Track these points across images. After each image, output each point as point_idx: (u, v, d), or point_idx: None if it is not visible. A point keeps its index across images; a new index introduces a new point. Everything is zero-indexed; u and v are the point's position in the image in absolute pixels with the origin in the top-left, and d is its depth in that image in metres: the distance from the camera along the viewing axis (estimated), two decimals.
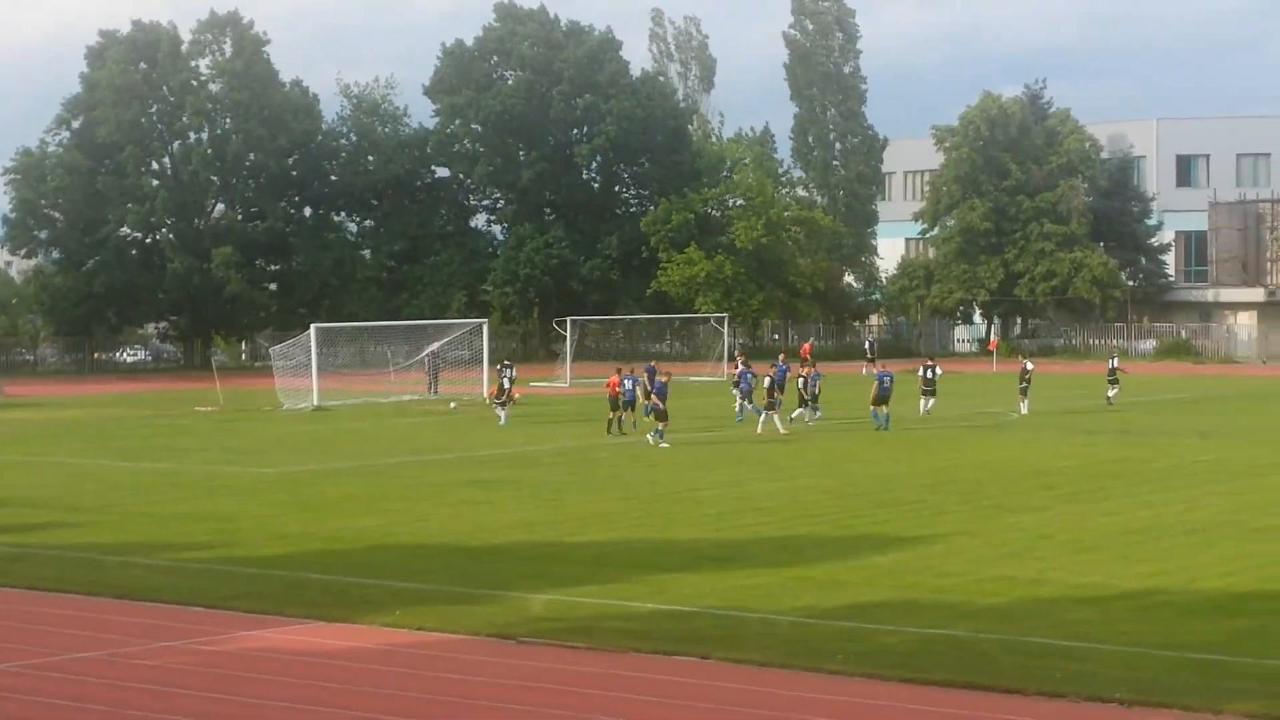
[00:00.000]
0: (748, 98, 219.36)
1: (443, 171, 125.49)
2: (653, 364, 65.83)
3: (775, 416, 56.09)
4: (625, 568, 29.59)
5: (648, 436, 53.08)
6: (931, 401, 62.70)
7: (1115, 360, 72.72)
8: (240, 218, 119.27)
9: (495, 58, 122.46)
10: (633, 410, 57.82)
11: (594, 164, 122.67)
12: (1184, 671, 21.46)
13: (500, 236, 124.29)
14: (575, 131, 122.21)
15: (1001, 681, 20.99)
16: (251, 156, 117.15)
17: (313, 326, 75.33)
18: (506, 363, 69.85)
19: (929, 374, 63.29)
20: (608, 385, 58.74)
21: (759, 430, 55.80)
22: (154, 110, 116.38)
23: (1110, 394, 68.65)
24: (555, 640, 23.75)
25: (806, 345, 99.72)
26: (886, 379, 58.23)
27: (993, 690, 20.71)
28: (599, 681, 21.52)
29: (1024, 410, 62.60)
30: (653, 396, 54.79)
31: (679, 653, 22.86)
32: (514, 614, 25.63)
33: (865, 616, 25.05)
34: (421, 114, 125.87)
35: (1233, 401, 72.06)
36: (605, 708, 20.28)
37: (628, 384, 58.11)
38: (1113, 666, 21.71)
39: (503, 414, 61.50)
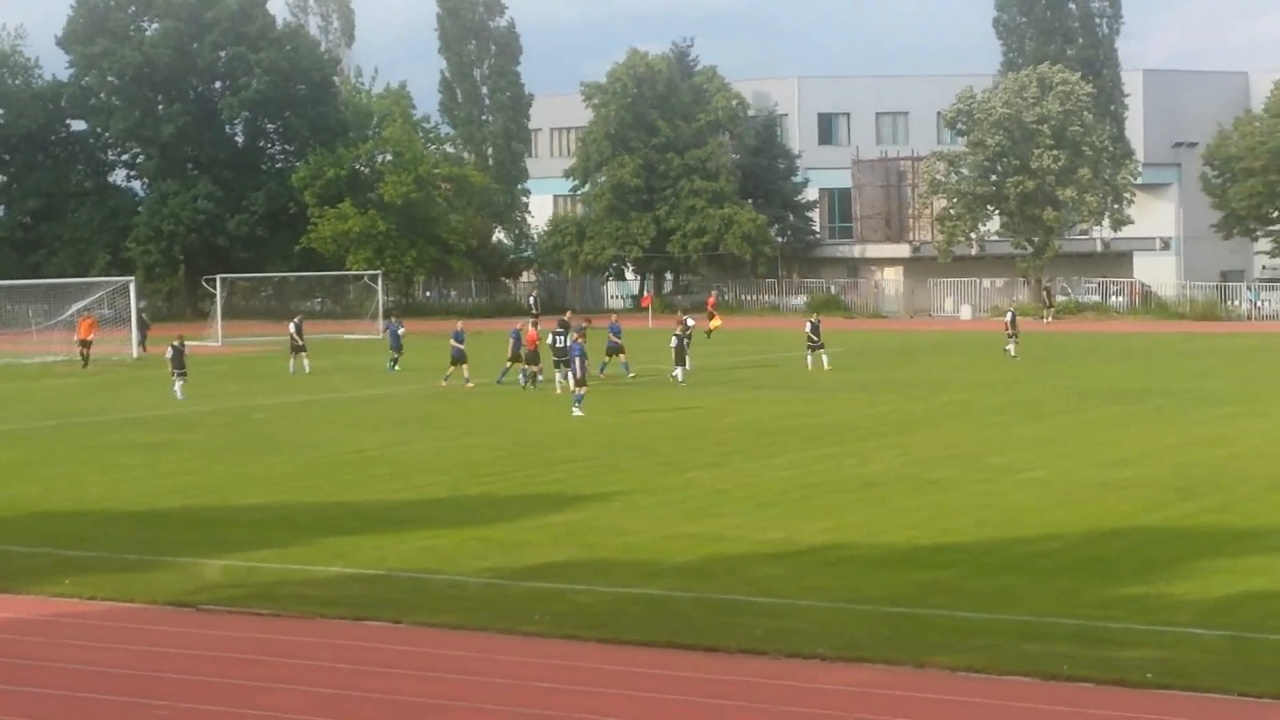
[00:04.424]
0: (395, 52, 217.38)
1: (79, 125, 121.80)
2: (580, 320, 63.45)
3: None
4: (300, 531, 28.88)
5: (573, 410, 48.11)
6: (824, 356, 63.68)
7: (1012, 314, 73.81)
8: None
9: (133, 7, 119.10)
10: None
11: (239, 118, 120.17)
12: (880, 626, 21.57)
13: (142, 193, 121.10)
14: (219, 84, 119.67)
15: (702, 640, 20.84)
16: None
17: None
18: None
19: (813, 330, 64.49)
20: (528, 339, 57.04)
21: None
22: None
23: (1010, 348, 69.60)
24: (238, 607, 23.02)
25: (711, 298, 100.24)
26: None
27: (694, 649, 20.56)
28: (289, 649, 20.86)
29: (686, 367, 62.79)
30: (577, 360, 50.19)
31: (368, 618, 22.32)
32: (190, 581, 24.81)
33: (555, 576, 24.74)
34: (55, 65, 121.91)
35: (885, 355, 73.41)
36: (299, 677, 19.64)
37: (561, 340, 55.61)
38: (810, 622, 21.72)
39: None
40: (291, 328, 66.50)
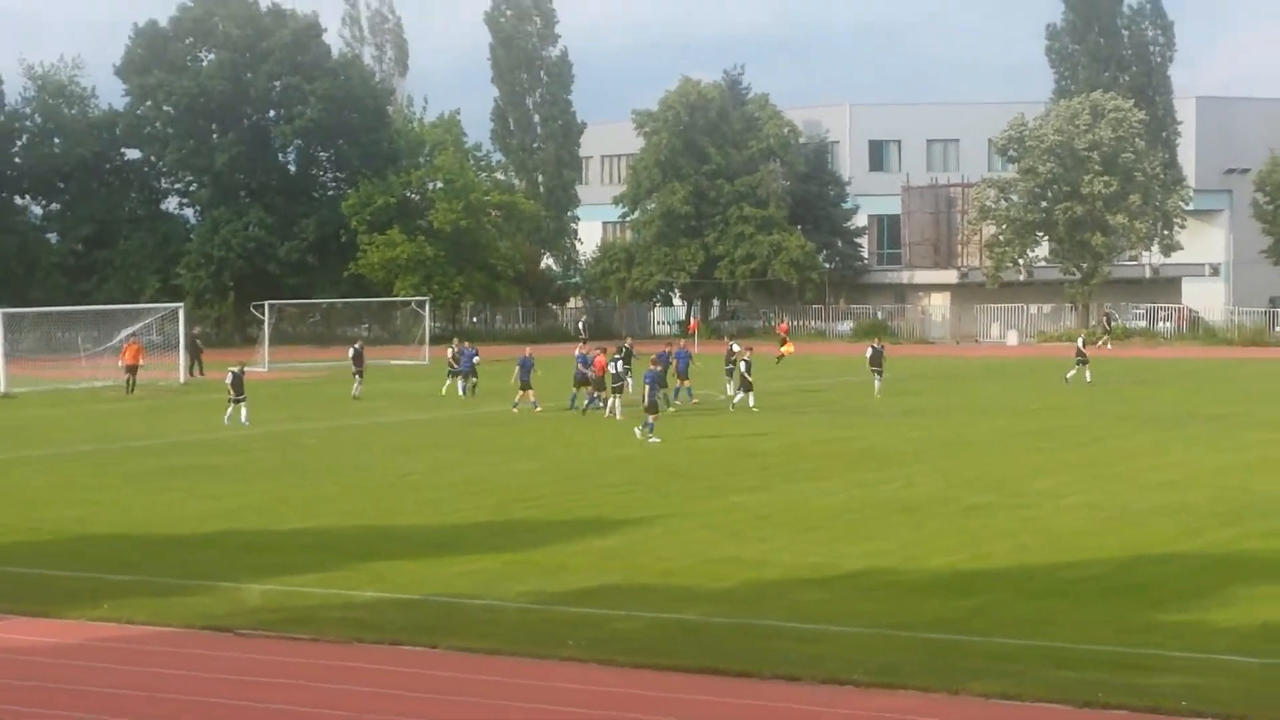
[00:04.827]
0: (448, 80, 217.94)
1: (133, 154, 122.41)
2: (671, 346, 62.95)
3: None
4: (342, 555, 28.92)
5: (635, 430, 48.51)
6: (878, 382, 63.52)
7: (1082, 340, 73.52)
8: None
9: (191, 39, 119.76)
10: (619, 395, 55.20)
11: (292, 146, 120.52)
12: (917, 651, 21.50)
13: (194, 220, 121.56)
14: (273, 113, 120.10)
15: (737, 666, 20.82)
16: None
17: (0, 311, 72.89)
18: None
19: (875, 354, 64.62)
20: (596, 365, 57.01)
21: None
22: None
23: (1079, 374, 68.84)
24: (276, 632, 23.10)
25: (784, 325, 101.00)
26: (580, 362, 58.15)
27: (729, 675, 20.53)
28: (326, 674, 20.89)
29: (730, 392, 62.75)
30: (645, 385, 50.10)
31: (405, 643, 22.34)
32: (230, 605, 24.88)
33: (593, 601, 24.74)
34: (111, 95, 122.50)
35: (930, 380, 73.14)
36: (334, 702, 19.66)
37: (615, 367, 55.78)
38: (846, 648, 21.68)
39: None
40: (350, 353, 66.90)
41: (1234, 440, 46.51)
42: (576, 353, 60.21)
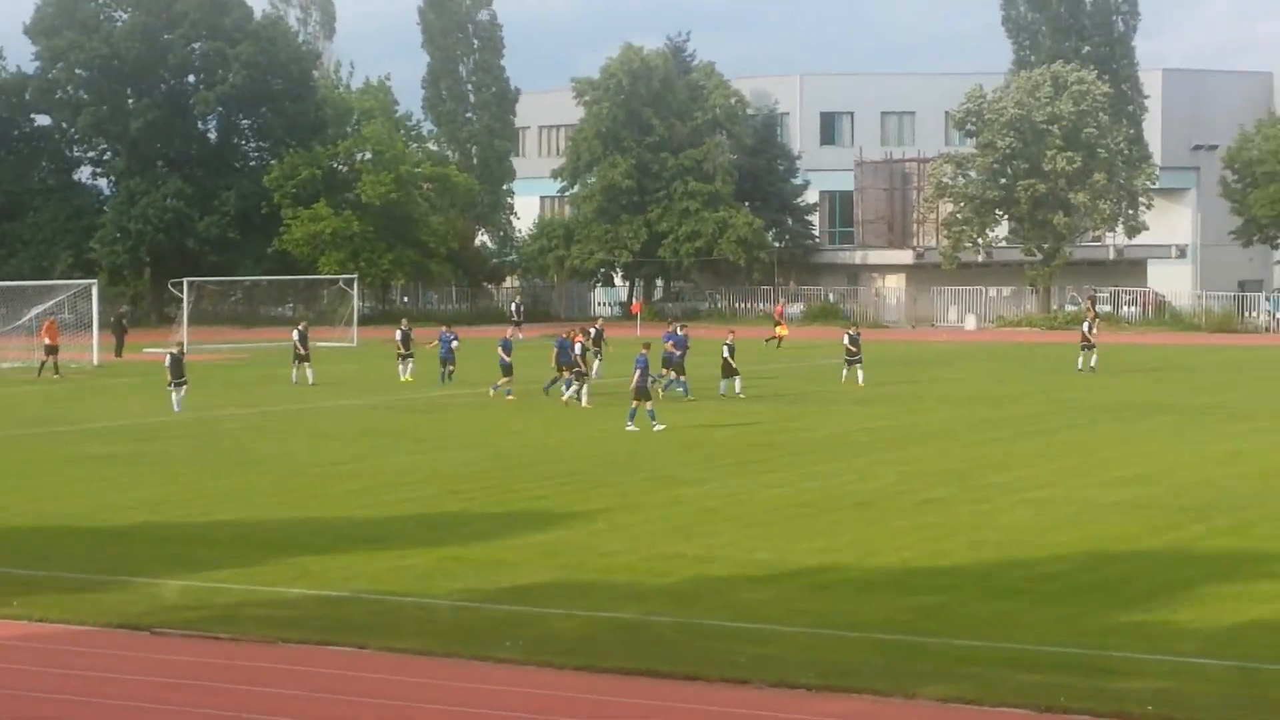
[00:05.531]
0: (377, 46, 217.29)
1: (43, 120, 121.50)
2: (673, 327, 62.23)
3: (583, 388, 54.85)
4: (265, 550, 28.83)
5: (627, 423, 47.63)
6: (859, 370, 63.19)
7: (1087, 325, 72.25)
8: None
9: None
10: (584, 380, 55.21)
11: (213, 114, 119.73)
12: (870, 653, 21.55)
13: (108, 191, 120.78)
14: (192, 78, 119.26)
15: (681, 668, 20.80)
16: None
17: None
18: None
19: (852, 342, 63.96)
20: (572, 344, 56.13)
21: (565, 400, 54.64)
22: None
23: (1086, 359, 68.69)
24: (195, 630, 23.01)
25: (779, 307, 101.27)
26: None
27: (673, 677, 20.52)
28: (248, 676, 20.81)
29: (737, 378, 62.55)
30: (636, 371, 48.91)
31: (333, 642, 22.28)
32: (146, 602, 24.77)
33: (530, 599, 24.73)
34: (20, 57, 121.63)
35: (884, 367, 73.09)
36: (258, 705, 19.58)
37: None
38: (796, 649, 21.72)
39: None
40: (295, 335, 66.35)
41: (1202, 432, 46.81)
42: (558, 338, 59.94)
